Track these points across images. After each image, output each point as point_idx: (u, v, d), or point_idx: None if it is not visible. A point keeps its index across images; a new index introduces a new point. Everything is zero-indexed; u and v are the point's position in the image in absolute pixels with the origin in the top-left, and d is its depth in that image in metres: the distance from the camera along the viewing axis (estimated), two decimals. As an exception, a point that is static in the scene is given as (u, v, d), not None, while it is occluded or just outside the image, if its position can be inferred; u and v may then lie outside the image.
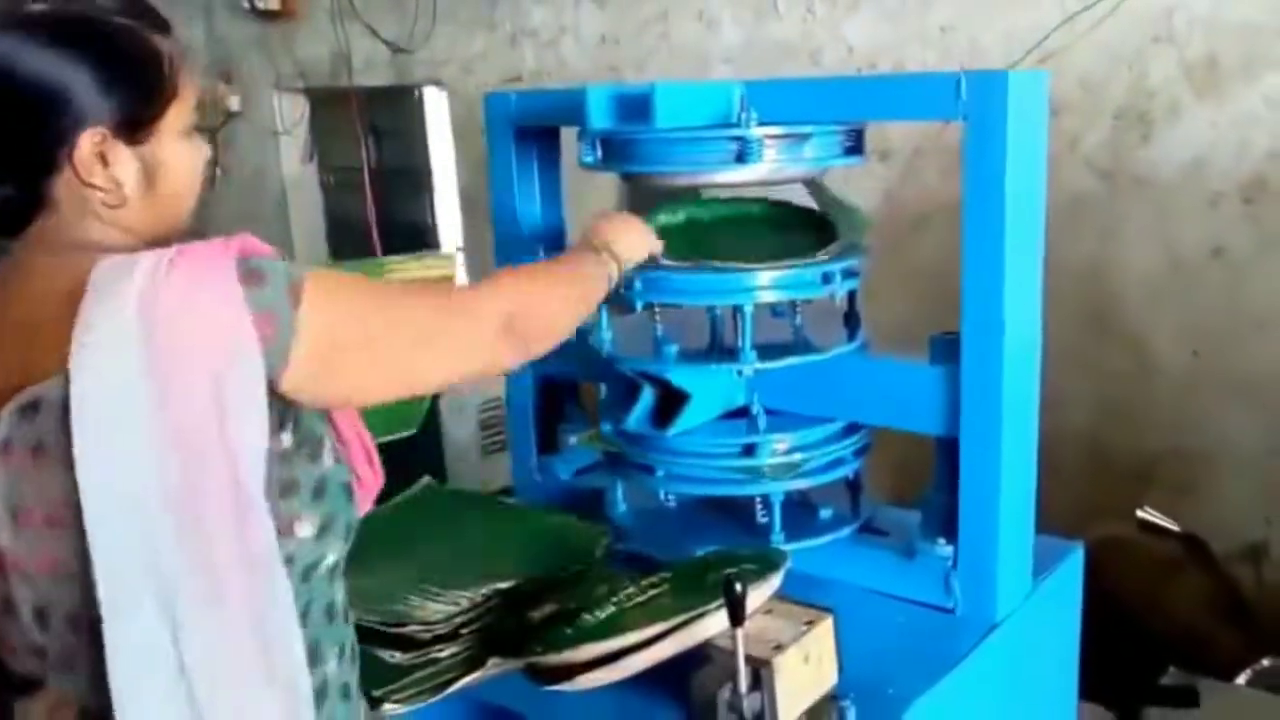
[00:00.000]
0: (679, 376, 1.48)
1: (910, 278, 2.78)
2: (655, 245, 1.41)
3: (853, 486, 1.62)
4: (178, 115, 1.01)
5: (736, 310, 1.45)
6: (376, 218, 5.06)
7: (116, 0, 0.98)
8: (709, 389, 1.51)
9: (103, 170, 0.96)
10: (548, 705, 1.24)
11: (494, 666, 1.23)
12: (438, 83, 4.64)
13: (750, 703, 1.14)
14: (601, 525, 1.58)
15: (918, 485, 1.51)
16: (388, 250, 5.04)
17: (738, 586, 1.11)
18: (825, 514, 1.60)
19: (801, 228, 1.53)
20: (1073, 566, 1.61)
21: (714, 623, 1.18)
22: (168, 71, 0.99)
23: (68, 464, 0.87)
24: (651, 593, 1.30)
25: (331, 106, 5.14)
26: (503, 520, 1.64)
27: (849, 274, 1.48)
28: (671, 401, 1.49)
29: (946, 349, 1.41)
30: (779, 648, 1.16)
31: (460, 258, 4.95)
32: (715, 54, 3.67)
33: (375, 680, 1.19)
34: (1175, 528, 2.57)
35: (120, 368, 0.87)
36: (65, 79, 0.93)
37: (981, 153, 1.32)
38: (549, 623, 1.28)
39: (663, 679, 1.22)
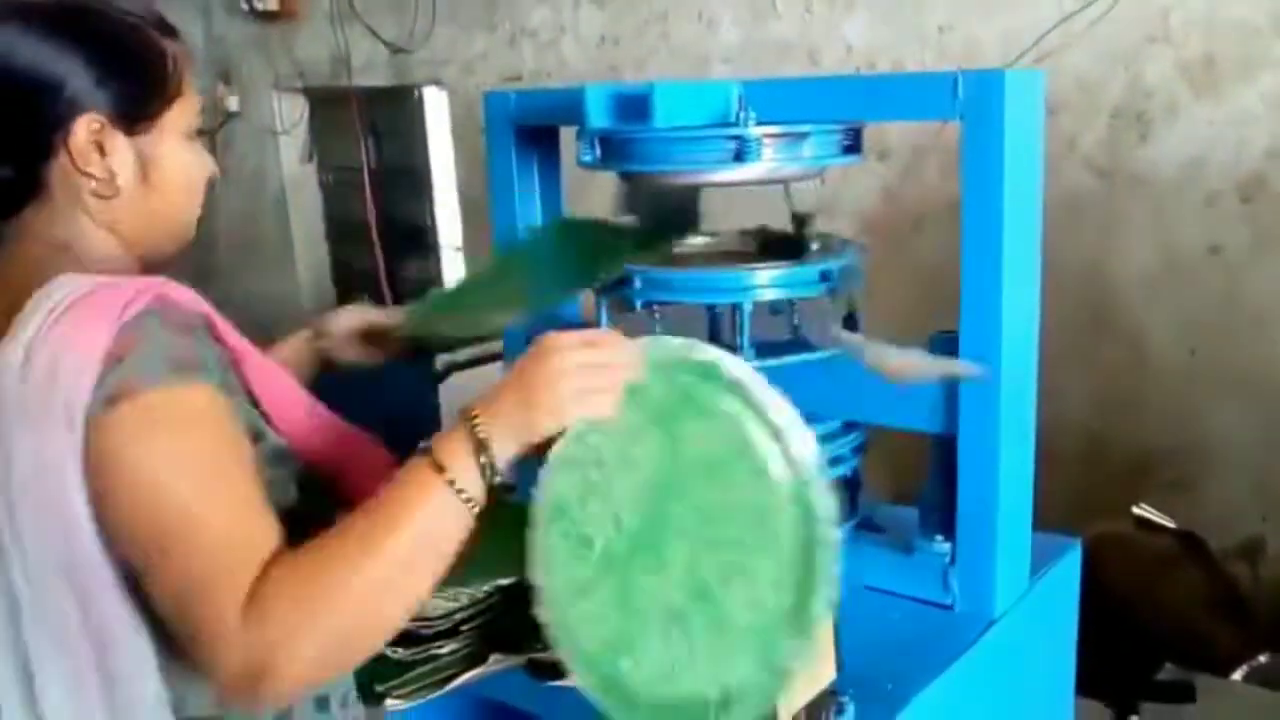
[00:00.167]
0: None
1: (909, 276, 2.79)
2: (561, 422, 0.99)
3: (851, 484, 1.63)
4: (180, 115, 1.01)
5: (735, 308, 1.46)
6: (376, 218, 5.07)
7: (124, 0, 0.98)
8: None
9: (99, 159, 0.96)
10: (549, 701, 1.24)
11: (495, 663, 1.24)
12: (437, 83, 4.64)
13: (749, 698, 1.14)
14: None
15: (916, 483, 1.52)
16: (386, 250, 5.05)
17: None
18: (824, 511, 1.60)
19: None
20: (1070, 563, 1.61)
21: None
22: (171, 70, 1.00)
23: None
24: None
25: (331, 107, 5.15)
26: (504, 516, 1.64)
27: (847, 272, 1.49)
28: None
29: (945, 347, 1.41)
30: (778, 643, 1.17)
31: (460, 258, 4.96)
32: (714, 54, 3.68)
33: (376, 676, 1.20)
34: (1172, 524, 2.57)
35: (4, 409, 0.87)
36: (59, 64, 0.93)
37: (979, 152, 1.32)
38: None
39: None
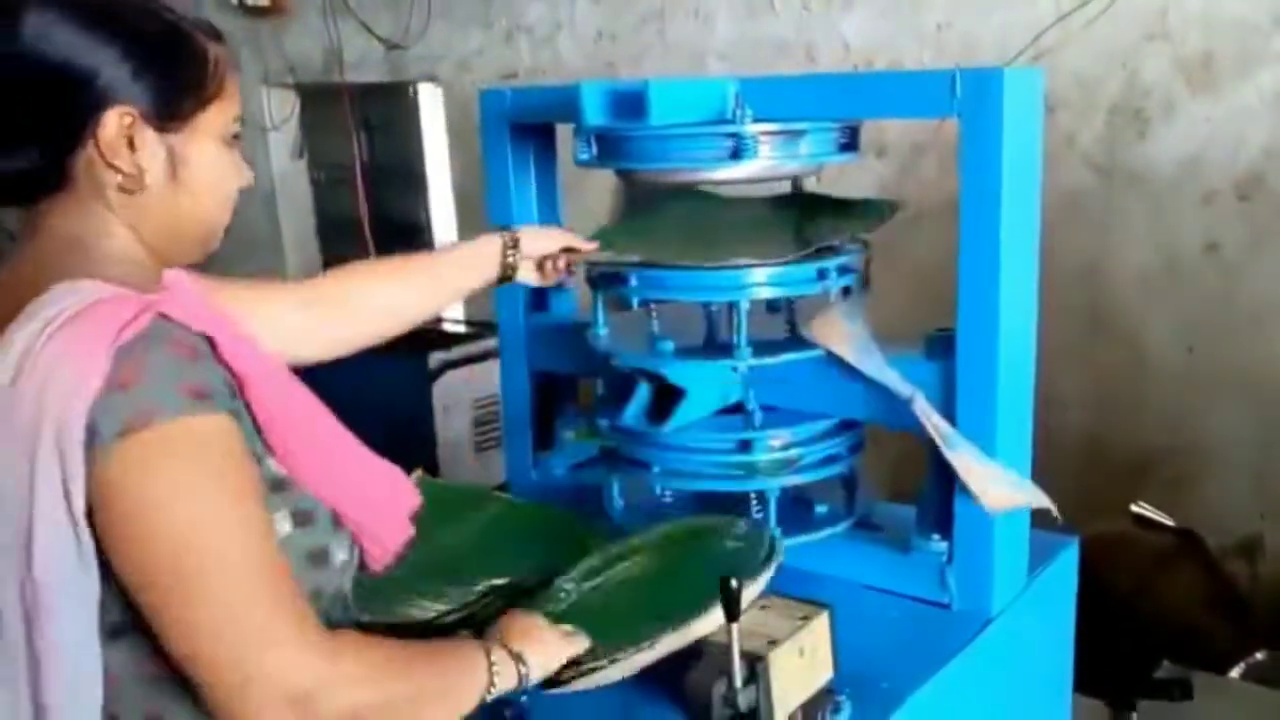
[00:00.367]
0: (675, 372, 1.48)
1: (907, 274, 2.78)
2: (574, 649, 1.18)
3: (848, 482, 1.62)
4: (218, 118, 1.00)
5: (732, 306, 1.45)
6: (369, 215, 5.05)
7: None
8: (705, 385, 1.52)
9: (128, 154, 0.94)
10: (543, 701, 1.24)
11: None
12: (432, 79, 4.63)
13: (745, 697, 1.14)
14: (597, 521, 1.58)
15: (914, 481, 1.52)
16: (379, 248, 5.03)
17: (733, 583, 1.11)
18: (821, 510, 1.60)
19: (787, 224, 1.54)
20: (1067, 561, 1.61)
21: (710, 620, 1.18)
22: (211, 70, 0.98)
23: None
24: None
25: (323, 103, 5.13)
26: (498, 515, 1.64)
27: (844, 270, 1.48)
28: (667, 397, 1.50)
29: (941, 345, 1.41)
30: (774, 643, 1.17)
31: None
32: (711, 50, 3.67)
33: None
34: (1170, 522, 2.58)
35: None
36: (93, 54, 0.91)
37: (977, 150, 1.32)
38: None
39: (658, 675, 1.22)
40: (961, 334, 1.38)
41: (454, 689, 1.05)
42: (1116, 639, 2.18)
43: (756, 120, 1.41)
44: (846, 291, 1.51)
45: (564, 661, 1.17)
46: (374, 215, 5.07)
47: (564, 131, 1.64)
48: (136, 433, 0.84)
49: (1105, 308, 3.03)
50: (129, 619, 0.90)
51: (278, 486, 0.97)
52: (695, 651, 1.20)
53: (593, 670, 1.17)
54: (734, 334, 1.46)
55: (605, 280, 1.52)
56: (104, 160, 0.94)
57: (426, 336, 3.89)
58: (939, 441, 1.38)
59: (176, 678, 0.91)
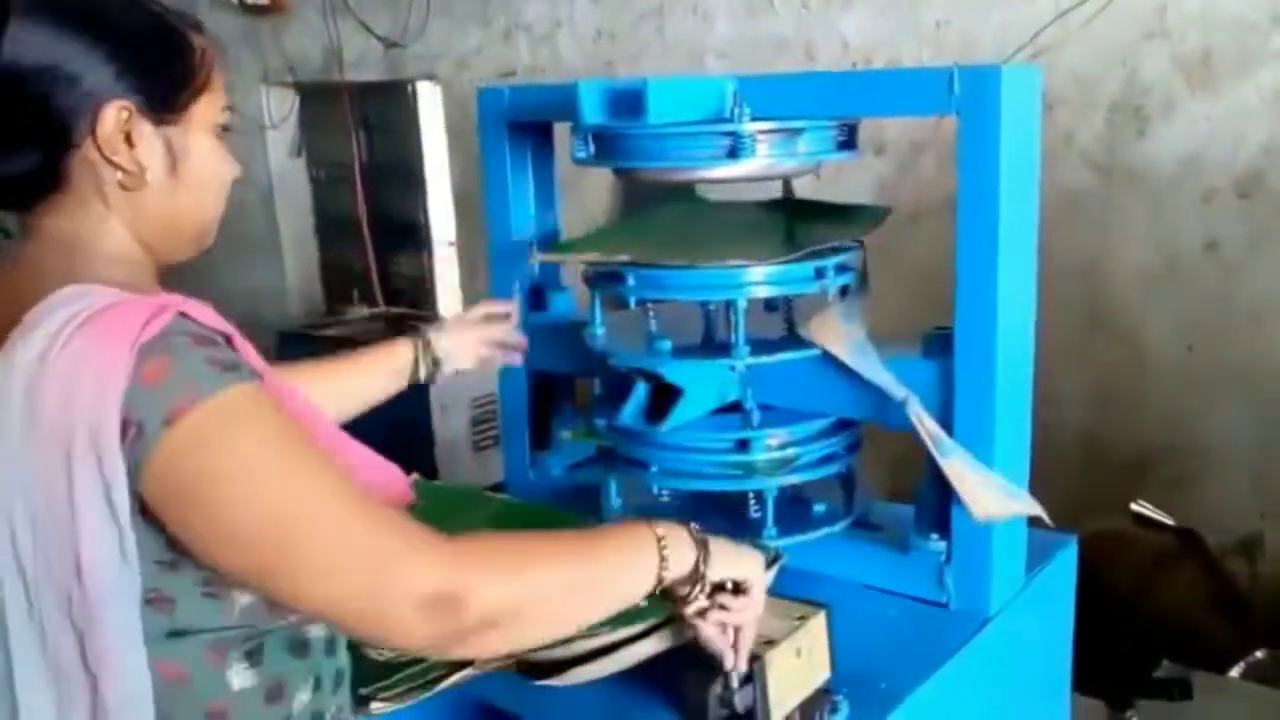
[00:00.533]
0: (672, 372, 1.48)
1: (905, 272, 2.78)
2: (754, 562, 1.14)
3: (847, 482, 1.62)
4: (209, 108, 0.99)
5: (729, 305, 1.45)
6: (367, 213, 5.05)
7: None
8: (702, 384, 1.51)
9: (126, 149, 0.94)
10: (538, 702, 1.23)
11: (483, 664, 1.23)
12: (431, 77, 4.63)
13: (742, 698, 1.14)
14: (595, 521, 1.58)
15: (913, 480, 1.51)
16: (377, 246, 5.03)
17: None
18: (819, 509, 1.59)
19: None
20: (1066, 560, 1.61)
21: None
22: (199, 61, 0.98)
23: None
24: None
25: (322, 101, 5.13)
26: (494, 515, 1.63)
27: (842, 269, 1.48)
28: (665, 396, 1.49)
29: (939, 344, 1.41)
30: (771, 643, 1.16)
31: (453, 254, 4.95)
32: (710, 49, 3.67)
33: (364, 678, 1.18)
34: (1170, 521, 2.57)
35: (6, 433, 0.85)
36: (82, 51, 0.91)
37: (975, 148, 1.31)
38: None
39: (655, 674, 1.22)
40: (959, 333, 1.37)
41: (618, 571, 1.02)
42: (1116, 638, 2.18)
43: (754, 119, 1.41)
44: (844, 291, 1.51)
45: (735, 577, 1.11)
46: (373, 214, 5.06)
47: (562, 130, 1.63)
48: (182, 418, 0.84)
49: (1105, 306, 3.02)
50: (144, 626, 0.90)
51: None
52: (691, 650, 1.19)
53: (583, 659, 1.16)
54: (731, 333, 1.45)
55: (602, 280, 1.52)
56: (103, 157, 0.93)
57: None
58: (931, 447, 1.38)
59: (188, 686, 0.92)
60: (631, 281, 1.46)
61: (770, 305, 1.60)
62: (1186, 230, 2.88)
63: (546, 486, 1.82)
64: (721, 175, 1.45)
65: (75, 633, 0.87)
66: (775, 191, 1.65)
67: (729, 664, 1.13)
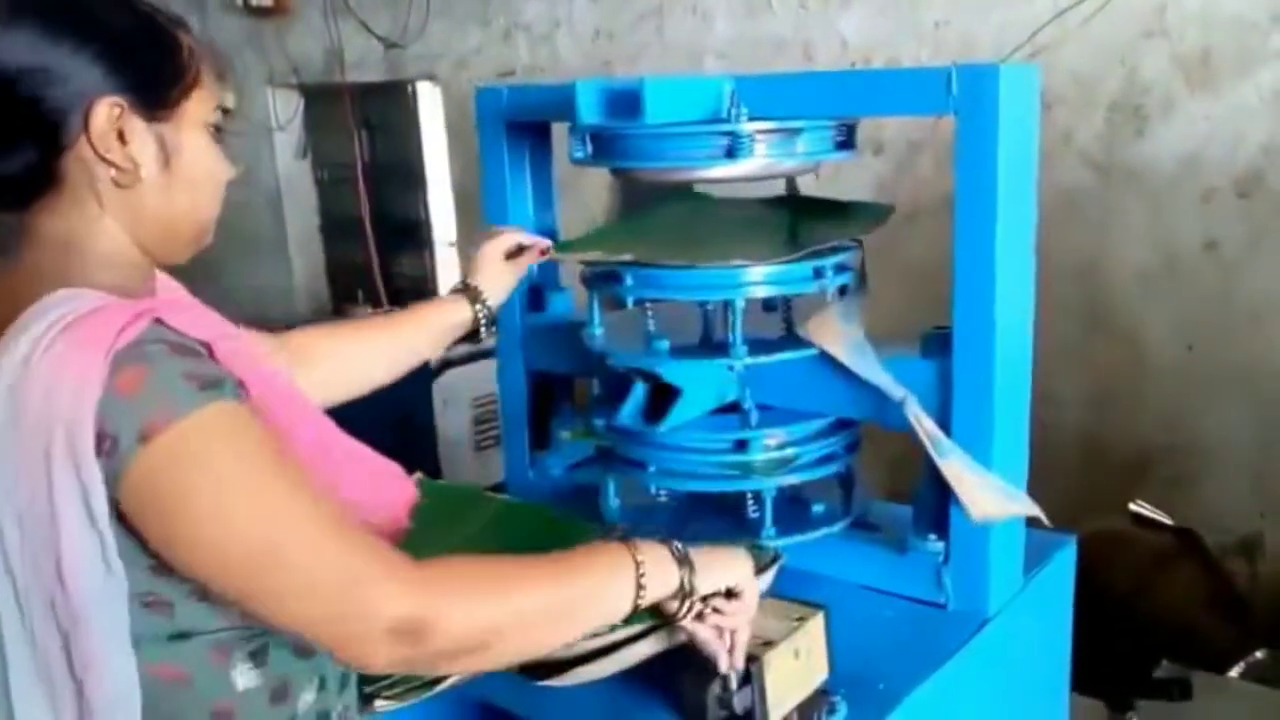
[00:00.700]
0: (670, 371, 1.48)
1: (903, 272, 2.78)
2: (743, 568, 1.14)
3: (845, 482, 1.62)
4: (200, 105, 1.00)
5: (727, 305, 1.45)
6: (370, 213, 5.05)
7: None
8: (700, 384, 1.51)
9: (120, 147, 0.94)
10: (539, 702, 1.23)
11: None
12: (431, 78, 4.63)
13: (740, 699, 1.14)
14: (593, 521, 1.58)
15: (912, 480, 1.51)
16: (380, 245, 5.04)
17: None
18: (817, 509, 1.59)
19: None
20: (1065, 560, 1.60)
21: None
22: (187, 58, 0.98)
23: None
24: None
25: (325, 102, 5.13)
26: (495, 516, 1.63)
27: (840, 269, 1.48)
28: (663, 396, 1.49)
29: (938, 344, 1.41)
30: (769, 644, 1.16)
31: (454, 254, 4.95)
32: (709, 49, 3.67)
33: (367, 677, 1.19)
34: (1169, 521, 2.57)
35: None
36: (71, 50, 0.91)
37: (973, 147, 1.31)
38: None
39: (654, 675, 1.22)
40: (958, 333, 1.37)
41: (592, 596, 1.01)
42: (1115, 639, 2.18)
43: (752, 118, 1.41)
44: (843, 291, 1.50)
45: (725, 585, 1.10)
46: (375, 214, 5.07)
47: (560, 130, 1.63)
48: (157, 435, 0.84)
49: (1104, 306, 3.02)
50: (142, 630, 0.90)
51: None
52: (690, 651, 1.19)
53: (584, 659, 1.16)
54: (729, 333, 1.45)
55: (600, 280, 1.52)
56: (97, 154, 0.93)
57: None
58: (929, 447, 1.38)
59: (191, 688, 0.93)
60: (629, 281, 1.46)
61: (769, 305, 1.60)
62: (1186, 230, 2.88)
63: (546, 487, 1.82)
64: (719, 175, 1.45)
65: (60, 635, 0.87)
66: (779, 189, 1.65)
67: (724, 666, 1.13)
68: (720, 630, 1.12)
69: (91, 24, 0.93)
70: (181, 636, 0.92)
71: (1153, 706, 2.14)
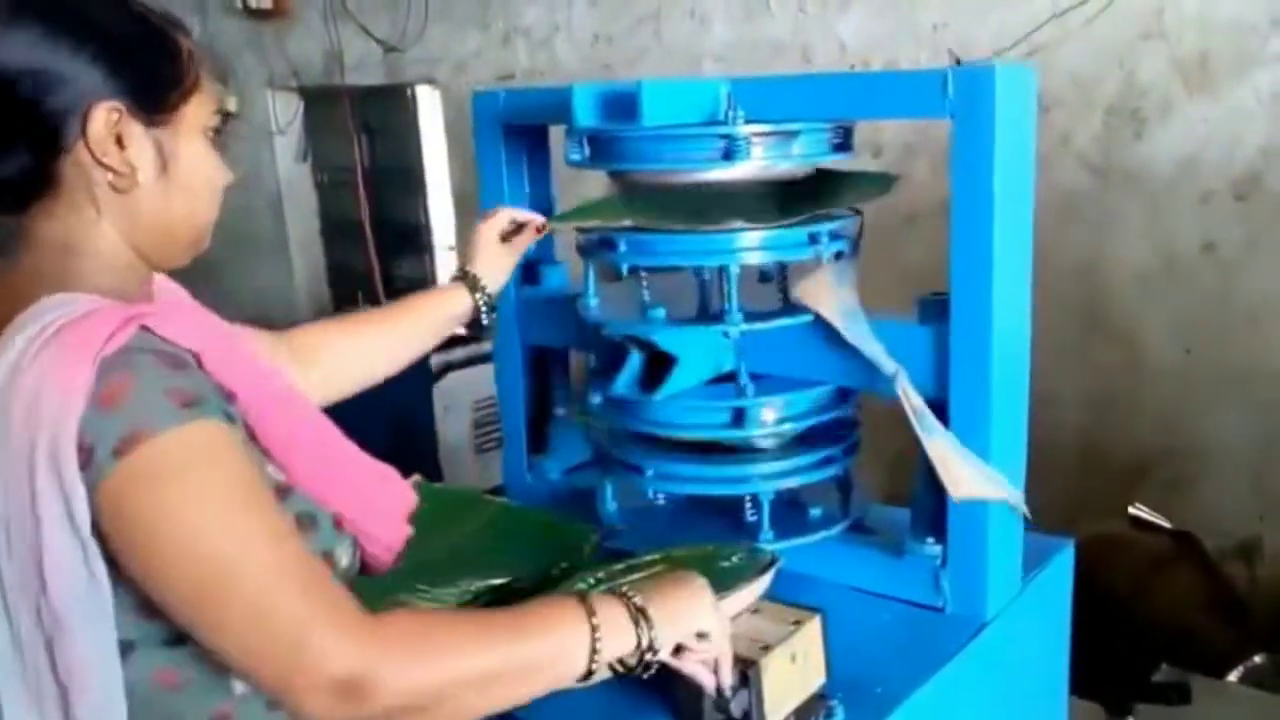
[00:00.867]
0: (665, 339, 1.46)
1: (902, 275, 2.77)
2: (704, 621, 1.09)
3: (843, 485, 1.61)
4: (199, 110, 1.00)
5: (723, 274, 1.43)
6: (370, 217, 5.06)
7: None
8: (696, 351, 1.49)
9: (117, 152, 0.93)
10: (536, 703, 1.22)
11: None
12: (431, 81, 4.63)
13: (737, 703, 1.13)
14: (590, 524, 1.57)
15: (910, 483, 1.51)
16: (380, 249, 5.04)
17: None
18: (815, 513, 1.59)
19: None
20: (1063, 564, 1.60)
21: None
22: (186, 62, 0.98)
23: None
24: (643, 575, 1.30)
25: (325, 106, 5.14)
26: (493, 519, 1.63)
27: (836, 236, 1.46)
28: (659, 366, 1.47)
29: (935, 310, 1.39)
30: (766, 648, 1.16)
31: (454, 258, 4.95)
32: (707, 52, 3.67)
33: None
34: (1167, 524, 2.57)
35: None
36: (70, 53, 0.91)
37: (969, 149, 1.31)
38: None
39: (651, 678, 1.21)
40: (955, 335, 1.37)
41: (544, 660, 0.97)
42: (1114, 642, 2.17)
43: (749, 121, 1.40)
44: (838, 258, 1.48)
45: (691, 632, 1.06)
46: (375, 217, 5.08)
47: (557, 133, 1.63)
48: (132, 450, 0.83)
49: (1102, 308, 3.02)
50: (136, 635, 0.90)
51: (279, 492, 0.96)
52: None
53: None
54: (725, 301, 1.44)
55: (596, 248, 1.50)
56: (94, 159, 0.93)
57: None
58: (915, 423, 1.36)
59: (188, 692, 0.92)
60: (624, 248, 1.44)
61: (765, 277, 1.59)
62: (1184, 232, 2.88)
63: (544, 490, 1.82)
64: (716, 178, 1.44)
65: (45, 642, 0.87)
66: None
67: (710, 690, 1.12)
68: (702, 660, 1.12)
69: (91, 27, 0.93)
70: (178, 642, 0.91)
71: (1151, 710, 2.13)
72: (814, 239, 1.42)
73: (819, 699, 1.21)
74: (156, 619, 0.90)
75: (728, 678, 1.12)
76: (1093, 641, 1.79)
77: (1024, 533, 1.49)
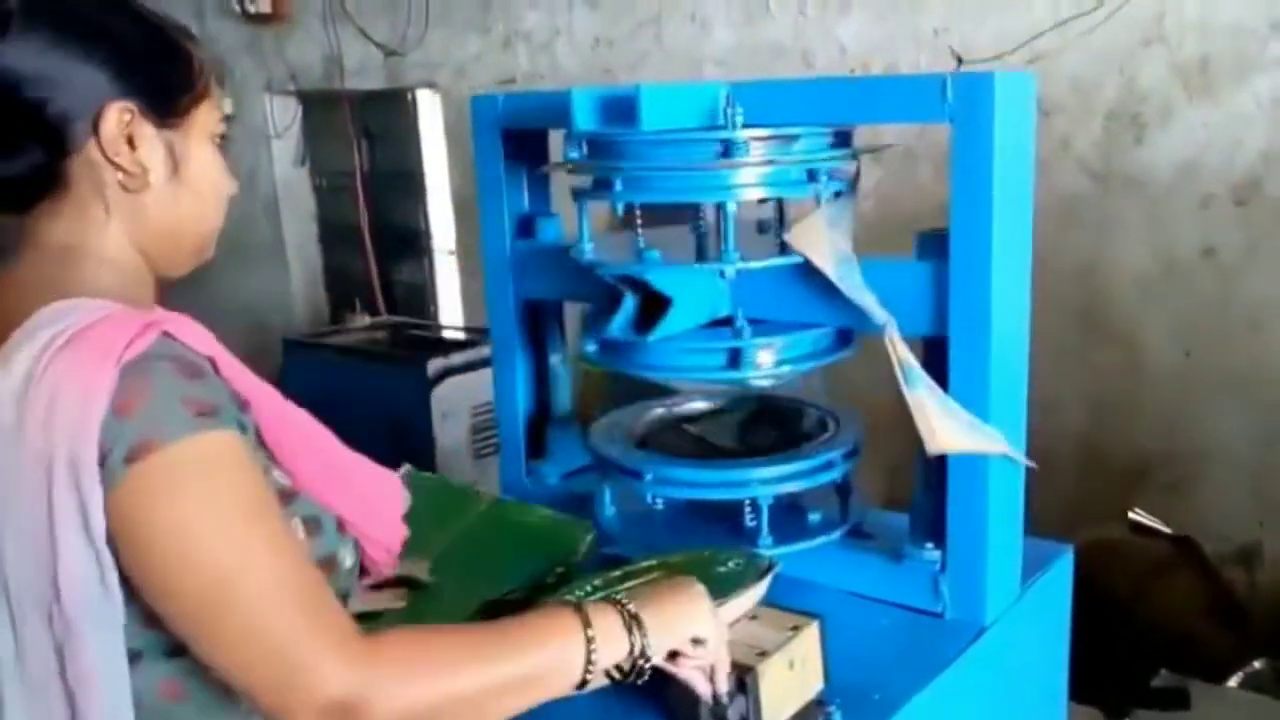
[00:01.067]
0: (660, 279, 1.44)
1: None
2: (699, 627, 1.08)
3: (842, 490, 1.61)
4: (208, 116, 1.00)
5: (720, 215, 1.41)
6: (369, 222, 5.06)
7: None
8: (691, 293, 1.47)
9: (129, 152, 0.94)
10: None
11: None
12: (431, 85, 4.63)
13: (734, 708, 1.13)
14: (586, 521, 1.56)
15: (910, 488, 1.51)
16: (379, 253, 5.04)
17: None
18: (814, 518, 1.58)
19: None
20: (1062, 569, 1.60)
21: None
22: (197, 68, 0.99)
23: None
24: (640, 581, 1.30)
25: (324, 110, 5.14)
26: (485, 513, 1.62)
27: (835, 175, 1.44)
28: (654, 309, 1.46)
29: (933, 245, 1.37)
30: (763, 654, 1.16)
31: (453, 262, 4.95)
32: (707, 56, 3.68)
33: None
34: (1167, 529, 2.57)
35: None
36: (84, 55, 0.91)
37: (969, 154, 1.31)
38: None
39: (648, 683, 1.20)
40: (953, 339, 1.36)
41: (538, 673, 0.96)
42: (1113, 647, 2.17)
43: (748, 125, 1.40)
44: (837, 198, 1.46)
45: (686, 638, 1.06)
46: (374, 222, 5.07)
47: (556, 137, 1.63)
48: (145, 457, 0.83)
49: (1102, 312, 3.02)
50: (143, 645, 0.90)
51: (285, 497, 0.96)
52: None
53: None
54: (722, 241, 1.42)
55: (589, 189, 1.49)
56: (106, 158, 0.93)
57: (425, 343, 3.90)
58: (899, 374, 1.34)
59: (192, 705, 0.92)
60: (619, 187, 1.43)
61: (763, 229, 1.58)
62: (1184, 236, 2.88)
63: (542, 495, 1.81)
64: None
65: (55, 648, 0.87)
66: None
67: (706, 696, 1.12)
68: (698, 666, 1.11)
69: (104, 31, 0.94)
70: (181, 652, 0.91)
71: (1150, 716, 2.13)
72: (813, 176, 1.41)
73: (817, 705, 1.21)
74: (159, 628, 0.89)
75: (723, 684, 1.12)
76: (1092, 646, 1.79)
77: (1023, 538, 1.49)
